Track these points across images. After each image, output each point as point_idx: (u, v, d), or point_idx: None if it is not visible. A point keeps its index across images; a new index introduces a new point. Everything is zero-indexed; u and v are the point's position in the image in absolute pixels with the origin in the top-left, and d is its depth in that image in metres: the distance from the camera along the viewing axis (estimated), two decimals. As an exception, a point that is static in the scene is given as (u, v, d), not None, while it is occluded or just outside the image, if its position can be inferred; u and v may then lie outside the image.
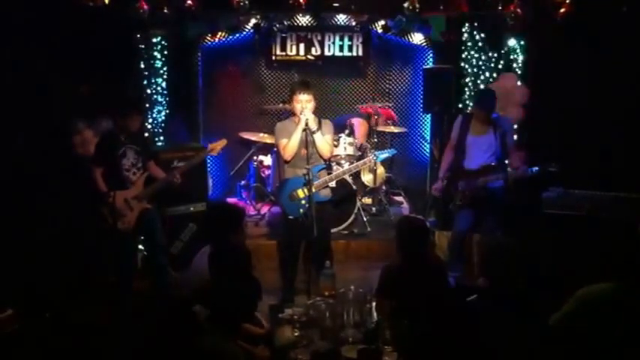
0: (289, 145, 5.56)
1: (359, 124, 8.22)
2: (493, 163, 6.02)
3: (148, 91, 7.42)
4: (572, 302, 3.60)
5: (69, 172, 6.28)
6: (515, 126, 7.51)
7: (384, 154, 6.56)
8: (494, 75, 7.56)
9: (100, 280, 6.00)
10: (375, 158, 6.43)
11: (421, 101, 8.56)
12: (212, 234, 4.44)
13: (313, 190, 5.42)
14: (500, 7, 7.20)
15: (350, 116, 8.36)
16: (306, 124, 5.41)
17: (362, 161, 6.37)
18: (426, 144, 8.89)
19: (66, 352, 3.79)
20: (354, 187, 7.39)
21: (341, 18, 8.53)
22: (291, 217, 5.65)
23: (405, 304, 4.11)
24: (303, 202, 5.55)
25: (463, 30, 7.70)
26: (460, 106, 7.63)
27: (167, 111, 7.58)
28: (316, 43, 8.60)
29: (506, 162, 6.12)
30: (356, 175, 7.71)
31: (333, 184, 5.83)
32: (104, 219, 5.61)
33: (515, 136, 7.42)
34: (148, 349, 3.01)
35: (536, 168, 5.72)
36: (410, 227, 4.48)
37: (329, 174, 5.79)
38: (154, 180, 5.91)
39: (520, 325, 3.46)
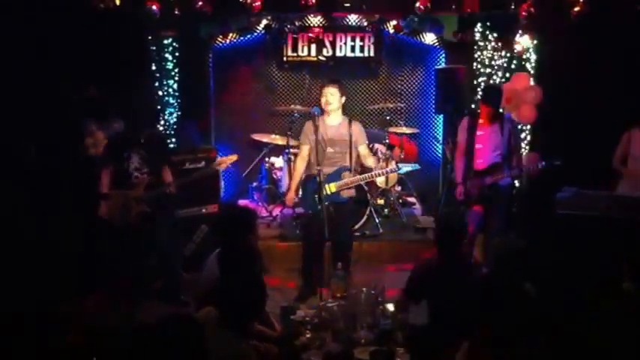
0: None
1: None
2: (499, 161, 6.01)
3: (160, 92, 7.43)
4: None
5: (81, 173, 6.31)
6: (528, 126, 7.47)
7: (408, 167, 6.39)
8: (507, 75, 7.51)
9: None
10: (397, 170, 6.35)
11: (433, 102, 8.53)
12: (228, 235, 4.43)
13: (334, 190, 5.60)
14: (512, 7, 7.16)
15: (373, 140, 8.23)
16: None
17: (384, 169, 6.08)
18: (438, 145, 8.84)
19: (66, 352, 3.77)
20: (367, 188, 7.35)
21: (352, 18, 8.52)
22: (310, 211, 5.70)
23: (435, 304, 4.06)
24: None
25: (475, 30, 7.66)
26: (473, 106, 7.58)
27: (179, 113, 7.58)
28: (328, 44, 8.57)
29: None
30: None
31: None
32: (102, 216, 5.73)
33: (528, 136, 7.38)
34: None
35: (544, 163, 5.73)
36: (446, 226, 4.41)
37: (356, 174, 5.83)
38: (160, 185, 5.97)
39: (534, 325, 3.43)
